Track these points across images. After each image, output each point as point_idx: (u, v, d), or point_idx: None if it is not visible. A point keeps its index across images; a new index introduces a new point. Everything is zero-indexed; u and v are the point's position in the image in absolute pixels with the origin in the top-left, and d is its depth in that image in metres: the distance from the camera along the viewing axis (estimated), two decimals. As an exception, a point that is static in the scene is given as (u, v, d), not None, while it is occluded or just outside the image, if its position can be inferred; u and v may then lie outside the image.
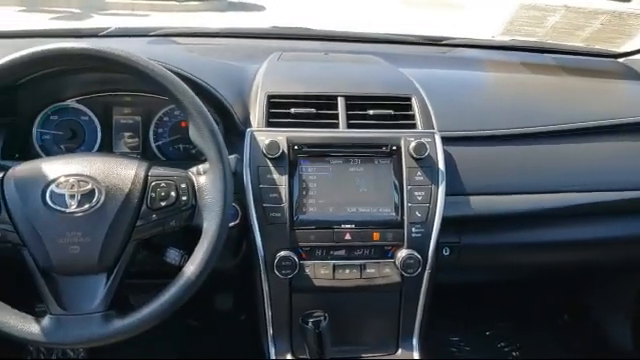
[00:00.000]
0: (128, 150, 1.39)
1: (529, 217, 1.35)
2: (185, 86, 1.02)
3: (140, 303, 1.00)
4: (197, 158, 1.36)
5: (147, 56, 1.03)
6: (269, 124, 1.26)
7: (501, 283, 1.79)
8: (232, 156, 1.08)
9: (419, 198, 1.21)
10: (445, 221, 1.22)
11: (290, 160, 1.20)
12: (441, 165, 1.23)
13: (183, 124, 1.38)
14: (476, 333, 1.99)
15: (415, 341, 1.29)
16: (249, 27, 2.07)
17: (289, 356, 1.27)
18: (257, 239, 1.18)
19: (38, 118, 1.35)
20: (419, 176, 1.22)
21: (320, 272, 1.20)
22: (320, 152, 1.22)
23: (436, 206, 1.21)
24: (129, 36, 1.78)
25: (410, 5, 9.52)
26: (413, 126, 1.29)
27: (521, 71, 1.79)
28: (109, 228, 0.97)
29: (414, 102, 1.32)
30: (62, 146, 1.36)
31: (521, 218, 1.35)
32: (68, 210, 0.97)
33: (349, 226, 1.20)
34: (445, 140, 1.26)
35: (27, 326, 0.96)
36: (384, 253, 1.22)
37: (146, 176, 1.02)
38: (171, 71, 1.03)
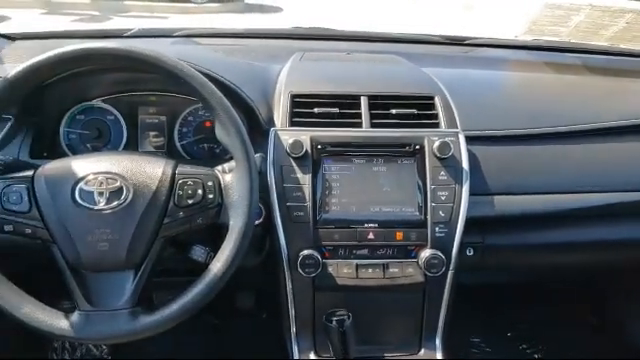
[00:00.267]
0: (153, 149, 1.40)
1: (553, 217, 1.34)
2: (213, 86, 1.03)
3: (164, 301, 1.01)
4: (221, 157, 1.38)
5: (173, 56, 1.05)
6: (293, 123, 1.27)
7: (523, 284, 1.78)
8: (257, 155, 1.09)
9: (443, 198, 1.20)
10: (468, 221, 1.22)
11: (314, 159, 1.21)
12: (465, 165, 1.22)
13: (207, 124, 1.40)
14: (497, 334, 1.98)
15: (438, 341, 1.29)
16: (271, 28, 2.09)
17: (312, 355, 1.27)
18: (281, 238, 1.19)
19: (65, 117, 1.37)
20: (443, 176, 1.21)
21: (343, 271, 1.20)
22: (343, 151, 1.22)
23: (460, 206, 1.21)
24: (153, 37, 1.81)
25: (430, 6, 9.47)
26: (436, 125, 1.29)
27: (544, 71, 1.78)
28: (137, 225, 0.98)
29: (437, 101, 1.32)
30: (88, 145, 1.38)
31: (545, 218, 1.34)
32: (97, 207, 0.98)
33: (372, 225, 1.20)
34: (468, 139, 1.26)
35: (57, 322, 0.97)
36: (407, 253, 1.21)
37: (173, 174, 1.03)
38: (198, 71, 1.04)
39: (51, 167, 1.03)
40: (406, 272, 1.21)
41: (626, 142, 1.40)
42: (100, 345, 1.87)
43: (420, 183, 1.21)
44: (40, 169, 1.03)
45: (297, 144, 1.19)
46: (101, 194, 0.98)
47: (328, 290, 1.22)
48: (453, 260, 1.22)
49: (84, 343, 1.85)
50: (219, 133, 1.04)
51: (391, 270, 1.21)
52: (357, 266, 1.20)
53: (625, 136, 1.40)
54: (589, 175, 1.35)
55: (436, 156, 1.21)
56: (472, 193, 1.22)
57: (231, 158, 1.06)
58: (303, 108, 1.29)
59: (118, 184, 0.99)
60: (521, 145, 1.35)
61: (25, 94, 1.03)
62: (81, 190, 0.99)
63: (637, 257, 1.51)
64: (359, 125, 1.27)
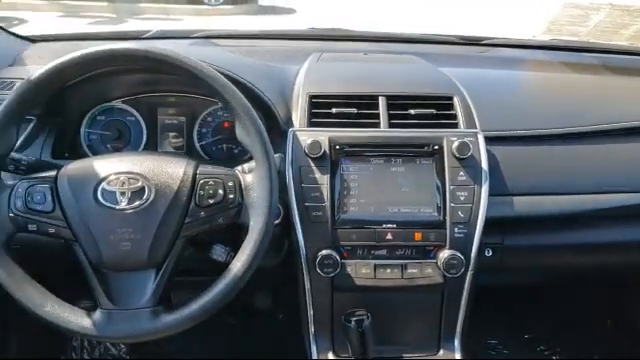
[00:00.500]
0: (172, 150, 1.42)
1: (573, 218, 1.33)
2: (233, 86, 1.03)
3: (184, 300, 1.02)
4: (239, 158, 1.39)
5: (193, 57, 1.05)
6: (311, 124, 1.27)
7: (541, 285, 1.76)
8: (276, 155, 1.10)
9: (462, 198, 1.20)
10: (488, 222, 1.21)
11: (332, 160, 1.21)
12: (484, 165, 1.22)
13: (226, 124, 1.41)
14: (515, 336, 1.97)
15: (457, 342, 1.28)
16: (287, 29, 2.09)
17: (330, 355, 1.27)
18: (299, 238, 1.19)
19: (86, 118, 1.39)
20: (462, 176, 1.21)
21: (361, 271, 1.20)
22: (361, 152, 1.22)
23: (479, 206, 1.20)
24: (171, 38, 1.82)
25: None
26: (455, 125, 1.28)
27: (563, 71, 1.76)
28: (159, 225, 0.99)
29: (456, 101, 1.32)
30: (109, 146, 1.40)
31: (565, 219, 1.33)
32: (119, 207, 0.99)
33: (390, 226, 1.20)
34: (488, 140, 1.25)
35: (79, 320, 0.98)
36: (426, 253, 1.21)
37: (194, 174, 1.03)
38: (218, 72, 1.05)
39: (74, 167, 1.05)
40: (425, 273, 1.21)
41: None
42: (118, 344, 1.89)
43: (439, 183, 1.21)
44: (63, 169, 1.04)
45: (315, 144, 1.19)
46: (123, 194, 0.99)
47: (346, 290, 1.22)
48: (472, 261, 1.21)
49: (103, 342, 1.87)
50: (239, 133, 1.05)
51: (410, 271, 1.21)
52: (375, 266, 1.20)
53: None
54: (609, 175, 1.34)
55: (455, 156, 1.21)
56: (491, 194, 1.22)
57: (250, 158, 1.07)
58: (321, 109, 1.29)
59: (140, 184, 1.00)
60: (541, 145, 1.34)
61: (48, 95, 1.05)
62: (103, 190, 1.00)
63: None
64: (377, 125, 1.27)
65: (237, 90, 1.04)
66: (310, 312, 1.25)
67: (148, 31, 1.82)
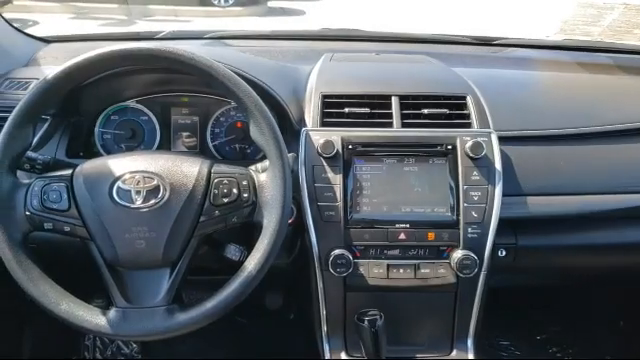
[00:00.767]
0: (186, 149, 1.42)
1: (587, 218, 1.33)
2: (248, 86, 1.04)
3: (199, 299, 1.02)
4: (252, 157, 1.39)
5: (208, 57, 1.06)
6: (324, 124, 1.27)
7: (554, 286, 1.76)
8: (290, 154, 1.10)
9: (475, 198, 1.20)
10: (501, 222, 1.21)
11: (344, 159, 1.21)
12: (498, 165, 1.21)
13: (239, 124, 1.41)
14: (527, 337, 1.96)
15: (470, 342, 1.28)
16: (299, 29, 2.09)
17: (343, 354, 1.27)
18: (312, 237, 1.20)
19: (100, 118, 1.40)
20: (475, 176, 1.20)
21: (374, 271, 1.20)
22: (374, 151, 1.23)
23: (493, 206, 1.20)
24: (183, 39, 1.83)
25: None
26: (468, 125, 1.28)
27: (576, 70, 1.76)
28: (174, 223, 1.00)
29: (469, 101, 1.31)
30: (122, 145, 1.40)
31: (578, 219, 1.33)
32: (134, 206, 1.00)
33: (403, 226, 1.20)
34: (501, 140, 1.25)
35: (94, 318, 0.99)
36: (439, 253, 1.21)
37: (209, 173, 1.04)
38: (233, 72, 1.05)
39: (89, 166, 1.05)
40: (438, 273, 1.21)
41: None
42: (130, 344, 1.90)
43: (452, 183, 1.21)
44: (78, 168, 1.05)
45: (328, 144, 1.20)
46: (138, 193, 1.00)
47: (359, 290, 1.22)
48: (485, 261, 1.21)
49: (116, 341, 1.88)
50: (254, 133, 1.05)
51: (422, 271, 1.21)
52: (388, 266, 1.20)
53: None
54: (623, 176, 1.33)
55: (469, 156, 1.21)
56: (505, 194, 1.21)
57: (263, 158, 1.07)
58: (334, 108, 1.29)
59: (155, 183, 1.01)
60: (555, 145, 1.33)
61: (64, 94, 1.06)
62: (119, 189, 1.01)
63: None
64: (390, 125, 1.27)
65: (251, 89, 1.04)
66: (323, 312, 1.25)
67: (161, 32, 1.84)
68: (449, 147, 1.22)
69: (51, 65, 1.51)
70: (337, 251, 1.18)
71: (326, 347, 1.27)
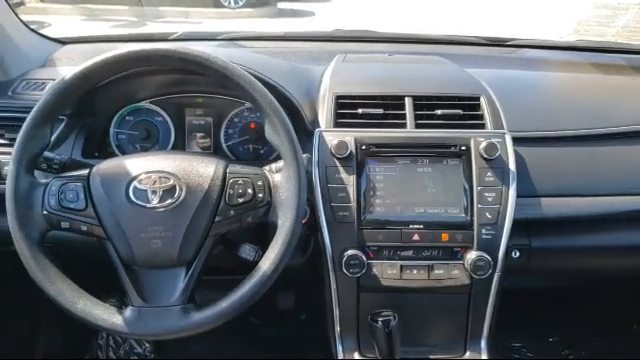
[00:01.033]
0: (200, 150, 1.43)
1: (601, 220, 1.32)
2: (263, 87, 1.04)
3: (212, 299, 1.02)
4: (265, 158, 1.40)
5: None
6: (337, 124, 1.27)
7: (567, 287, 1.75)
8: (304, 155, 1.10)
9: (489, 199, 1.20)
10: (515, 223, 1.20)
11: (358, 160, 1.21)
12: (512, 166, 1.21)
13: (252, 125, 1.42)
14: (539, 339, 1.94)
15: (483, 344, 1.28)
16: (312, 31, 2.09)
17: (356, 355, 1.27)
18: (325, 238, 1.20)
19: (115, 118, 1.41)
20: (489, 177, 1.20)
21: (387, 272, 1.20)
22: (388, 152, 1.23)
23: (507, 208, 1.19)
24: (196, 40, 1.84)
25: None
26: (482, 126, 1.28)
27: (590, 71, 1.75)
28: (189, 223, 1.00)
29: (483, 102, 1.31)
30: (137, 145, 1.42)
31: (593, 221, 1.32)
32: (150, 205, 1.00)
33: (417, 226, 1.20)
34: (515, 140, 1.25)
35: (111, 317, 1.00)
36: (453, 254, 1.21)
37: (224, 173, 1.04)
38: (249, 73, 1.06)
39: (106, 166, 1.06)
40: (451, 274, 1.21)
41: None
42: (143, 343, 1.91)
43: (466, 184, 1.21)
44: (95, 168, 1.06)
45: (342, 145, 1.20)
46: (154, 192, 1.01)
47: (373, 290, 1.23)
48: (499, 262, 1.20)
49: (128, 340, 1.89)
50: (269, 134, 1.05)
51: (436, 272, 1.20)
52: (402, 267, 1.20)
53: None
54: (638, 177, 1.32)
55: (482, 157, 1.20)
56: (519, 195, 1.21)
57: (277, 158, 1.08)
58: (347, 109, 1.30)
59: (171, 183, 1.01)
60: (569, 146, 1.33)
61: (81, 95, 1.07)
62: (135, 188, 1.01)
63: None
64: (403, 126, 1.28)
65: (266, 90, 1.04)
66: (336, 312, 1.25)
67: (174, 33, 1.85)
68: (463, 148, 1.22)
69: (67, 66, 1.52)
70: (350, 252, 1.18)
71: (339, 347, 1.27)
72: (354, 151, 1.21)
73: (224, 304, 1.00)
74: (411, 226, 1.20)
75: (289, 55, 1.64)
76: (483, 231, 1.19)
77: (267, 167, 1.09)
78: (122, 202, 1.01)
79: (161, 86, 1.39)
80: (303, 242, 1.27)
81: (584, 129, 1.34)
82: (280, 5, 10.75)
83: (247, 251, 1.12)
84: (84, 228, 1.02)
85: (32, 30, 1.58)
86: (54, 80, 1.40)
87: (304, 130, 1.28)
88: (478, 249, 1.19)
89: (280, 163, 1.07)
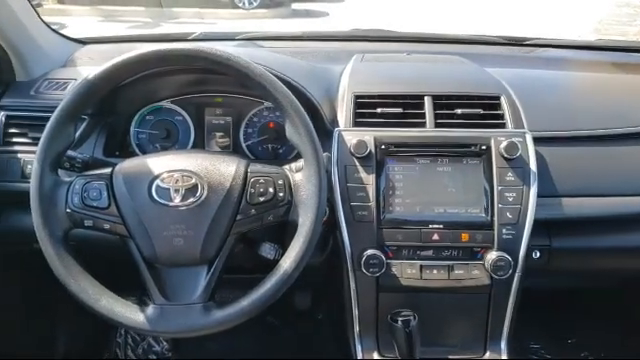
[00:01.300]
0: (219, 149, 1.43)
1: (622, 220, 1.31)
2: (284, 86, 1.04)
3: (233, 297, 1.03)
4: (284, 157, 1.40)
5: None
6: (356, 124, 1.27)
7: (588, 288, 1.73)
8: (324, 154, 1.10)
9: (510, 199, 1.19)
10: (535, 223, 1.19)
11: (377, 159, 1.21)
12: (533, 166, 1.20)
13: (271, 125, 1.42)
14: (558, 340, 1.93)
15: (504, 344, 1.27)
16: (330, 30, 2.10)
17: (375, 355, 1.26)
18: (344, 237, 1.20)
19: (135, 118, 1.42)
20: (510, 177, 1.20)
21: (407, 272, 1.20)
22: (407, 151, 1.22)
23: (527, 207, 1.19)
24: (215, 40, 1.85)
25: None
26: (503, 126, 1.27)
27: (611, 71, 1.73)
28: (211, 222, 1.01)
29: (503, 101, 1.30)
30: (157, 145, 1.43)
31: (614, 221, 1.31)
32: (172, 204, 1.01)
33: (437, 226, 1.20)
34: (535, 140, 1.24)
35: (133, 315, 1.00)
36: (473, 254, 1.20)
37: (246, 172, 1.05)
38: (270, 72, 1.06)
39: (128, 165, 1.07)
40: (472, 274, 1.20)
41: None
42: (161, 341, 1.92)
43: (486, 184, 1.20)
44: (118, 167, 1.07)
45: (361, 144, 1.20)
46: (177, 191, 1.01)
47: (392, 290, 1.22)
48: (520, 263, 1.20)
49: (147, 338, 1.91)
50: (290, 133, 1.06)
51: (456, 272, 1.20)
52: (421, 267, 1.20)
53: None
54: None
55: (503, 157, 1.20)
56: (539, 195, 1.20)
57: (296, 158, 1.08)
58: (366, 108, 1.30)
59: (193, 181, 1.02)
60: (590, 146, 1.32)
61: (103, 94, 1.08)
62: (157, 187, 1.02)
63: None
64: (423, 125, 1.27)
65: (287, 90, 1.05)
66: (355, 312, 1.25)
67: (192, 33, 1.86)
68: (483, 147, 1.21)
69: (87, 66, 1.54)
70: (370, 251, 1.18)
71: (358, 347, 1.27)
72: (373, 150, 1.21)
73: (245, 302, 1.00)
74: (431, 226, 1.20)
75: (307, 55, 1.64)
76: (504, 231, 1.18)
77: (287, 166, 1.09)
78: (145, 200, 1.02)
79: (181, 86, 1.40)
80: (322, 241, 1.27)
81: (605, 129, 1.33)
82: (294, 6, 10.77)
83: (267, 250, 1.12)
84: (107, 226, 1.03)
85: (53, 30, 1.59)
86: (75, 80, 1.41)
87: (323, 130, 1.28)
88: (498, 249, 1.18)
89: (300, 162, 1.07)
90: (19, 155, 1.32)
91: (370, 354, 1.27)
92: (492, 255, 1.18)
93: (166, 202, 1.01)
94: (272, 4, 10.30)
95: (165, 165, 1.05)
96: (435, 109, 1.29)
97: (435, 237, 1.20)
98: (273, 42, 1.89)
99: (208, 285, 1.02)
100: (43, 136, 1.03)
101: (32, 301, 1.68)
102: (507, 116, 1.28)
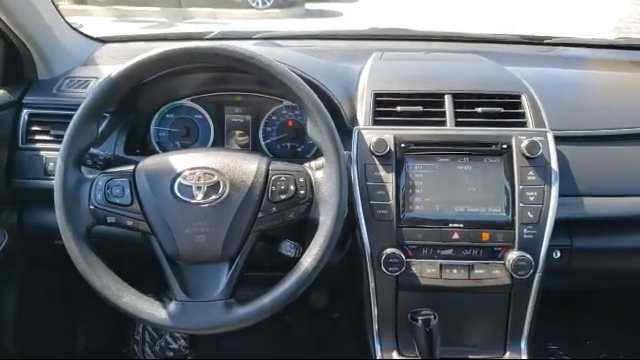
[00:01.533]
0: (239, 147, 1.44)
1: (645, 221, 1.29)
2: (306, 85, 1.05)
3: (255, 294, 1.03)
4: (303, 156, 1.40)
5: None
6: (376, 122, 1.27)
7: (609, 289, 1.71)
8: (345, 152, 1.10)
9: (531, 198, 1.18)
10: (556, 223, 1.18)
11: (397, 158, 1.21)
12: (554, 165, 1.20)
13: (290, 123, 1.43)
14: (576, 342, 1.91)
15: (524, 344, 1.26)
16: (348, 29, 2.10)
17: (395, 354, 1.26)
18: (364, 235, 1.20)
19: (156, 116, 1.43)
20: (531, 176, 1.19)
21: (427, 271, 1.20)
22: (427, 150, 1.22)
23: (549, 207, 1.18)
24: (233, 39, 1.86)
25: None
26: (523, 124, 1.27)
27: (632, 70, 1.71)
28: (233, 219, 1.01)
29: (524, 100, 1.30)
30: (177, 143, 1.44)
31: (635, 221, 1.29)
32: (194, 201, 1.02)
33: (457, 225, 1.19)
34: (557, 139, 1.23)
35: (155, 311, 1.01)
36: (493, 254, 1.19)
37: (267, 170, 1.05)
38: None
39: (151, 162, 1.08)
40: (492, 274, 1.19)
41: None
42: (179, 339, 1.93)
43: (507, 183, 1.19)
44: (140, 164, 1.08)
45: (381, 143, 1.20)
46: (199, 188, 1.02)
47: (411, 289, 1.22)
48: (541, 262, 1.19)
49: (164, 335, 1.92)
50: (311, 131, 1.06)
51: (476, 271, 1.19)
52: (441, 266, 1.19)
53: None
54: None
55: (524, 156, 1.19)
56: (560, 194, 1.19)
57: (315, 156, 1.08)
58: (386, 107, 1.29)
59: (215, 179, 1.02)
60: (611, 145, 1.31)
61: (125, 92, 1.08)
62: (180, 184, 1.03)
63: None
64: (443, 124, 1.27)
65: (309, 88, 1.05)
66: (374, 311, 1.25)
67: (210, 32, 1.87)
68: (504, 146, 1.21)
69: (108, 64, 1.55)
70: (389, 250, 1.18)
71: (377, 347, 1.27)
72: (393, 149, 1.21)
73: (266, 299, 1.01)
74: (451, 225, 1.19)
75: (325, 54, 1.64)
76: (525, 231, 1.18)
77: (307, 164, 1.10)
78: (167, 198, 1.03)
79: (201, 84, 1.41)
80: (341, 240, 1.27)
81: (626, 128, 1.32)
82: (307, 6, 10.79)
83: (288, 247, 1.12)
84: (130, 223, 1.04)
85: (75, 29, 1.61)
86: (97, 78, 1.43)
87: (343, 128, 1.27)
88: (519, 249, 1.18)
89: (320, 160, 1.07)
90: (42, 152, 1.33)
91: (389, 353, 1.26)
92: (513, 255, 1.17)
93: (188, 199, 1.02)
94: (285, 4, 10.32)
95: (187, 162, 1.05)
96: (455, 107, 1.29)
97: (455, 236, 1.19)
98: (290, 41, 1.89)
99: (229, 282, 1.02)
100: (67, 133, 1.04)
101: (54, 299, 1.70)
102: (528, 115, 1.27)
